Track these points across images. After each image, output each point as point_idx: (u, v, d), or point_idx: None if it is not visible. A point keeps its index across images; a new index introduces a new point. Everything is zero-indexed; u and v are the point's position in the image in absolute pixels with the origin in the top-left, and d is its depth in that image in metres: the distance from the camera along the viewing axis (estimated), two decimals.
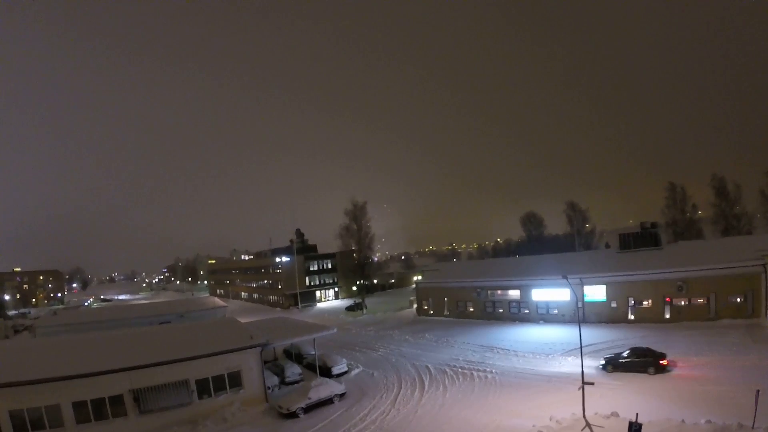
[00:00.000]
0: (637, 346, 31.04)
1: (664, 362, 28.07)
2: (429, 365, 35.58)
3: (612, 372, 29.39)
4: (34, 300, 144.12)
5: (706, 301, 39.51)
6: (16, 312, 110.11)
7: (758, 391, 18.69)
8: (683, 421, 19.83)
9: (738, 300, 38.26)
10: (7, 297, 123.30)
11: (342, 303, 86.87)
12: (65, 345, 30.61)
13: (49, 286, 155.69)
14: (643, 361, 28.46)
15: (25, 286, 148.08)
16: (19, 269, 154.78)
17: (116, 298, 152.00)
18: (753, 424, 18.18)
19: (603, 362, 30.39)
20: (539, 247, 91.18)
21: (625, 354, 29.76)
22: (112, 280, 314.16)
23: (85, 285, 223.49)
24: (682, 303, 40.50)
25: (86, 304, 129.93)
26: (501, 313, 52.59)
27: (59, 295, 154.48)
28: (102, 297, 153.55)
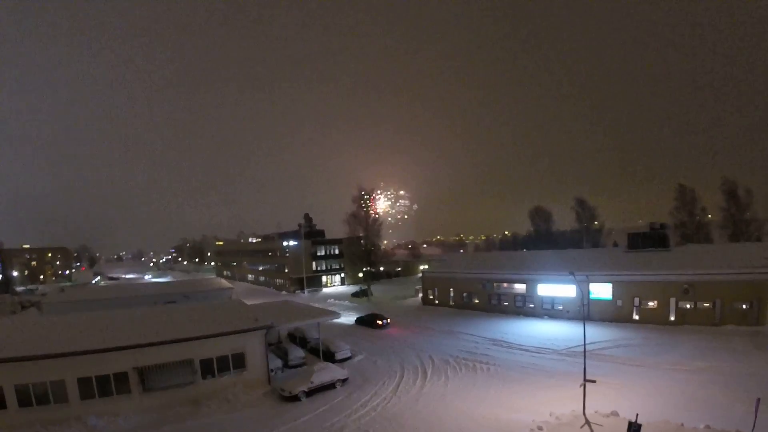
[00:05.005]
0: (374, 312, 53.29)
1: (379, 322, 48.57)
2: (432, 355, 35.73)
3: (359, 325, 50.36)
4: (41, 277, 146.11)
5: (711, 306, 39.14)
6: (24, 288, 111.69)
7: (758, 399, 18.54)
8: (682, 424, 19.78)
9: (743, 307, 37.83)
10: (15, 273, 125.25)
11: (348, 289, 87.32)
12: (71, 322, 30.85)
13: (57, 263, 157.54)
14: (372, 321, 49.16)
15: (33, 262, 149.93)
16: (27, 246, 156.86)
17: (123, 276, 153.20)
18: None
19: (355, 320, 51.79)
20: (547, 242, 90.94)
21: (364, 316, 51.05)
22: (119, 258, 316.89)
23: (92, 263, 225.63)
24: (688, 306, 40.18)
25: (94, 282, 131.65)
26: (506, 306, 52.60)
27: (67, 272, 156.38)
28: (108, 276, 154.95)
